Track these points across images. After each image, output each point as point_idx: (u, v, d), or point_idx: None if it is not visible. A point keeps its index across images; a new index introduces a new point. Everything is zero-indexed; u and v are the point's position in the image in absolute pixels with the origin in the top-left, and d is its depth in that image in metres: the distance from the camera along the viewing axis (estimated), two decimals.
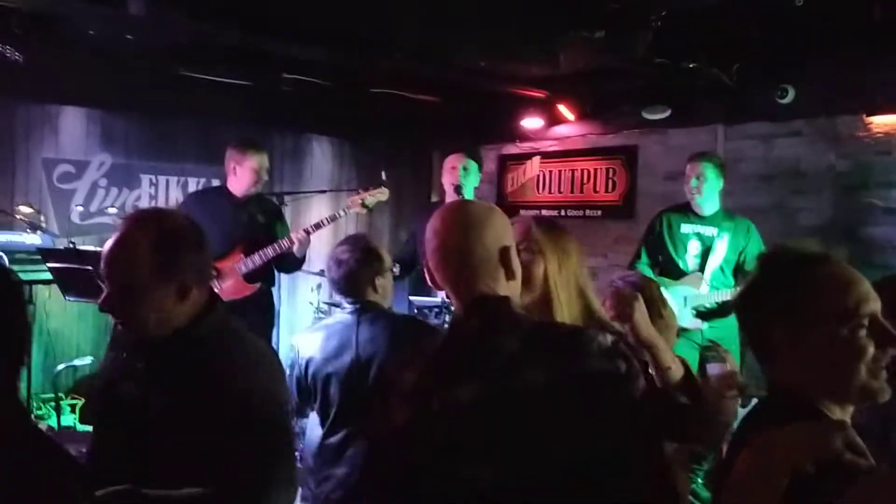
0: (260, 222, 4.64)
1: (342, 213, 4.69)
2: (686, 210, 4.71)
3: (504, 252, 1.65)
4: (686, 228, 4.68)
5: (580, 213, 6.70)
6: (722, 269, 4.57)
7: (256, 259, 4.47)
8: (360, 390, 2.81)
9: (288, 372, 3.05)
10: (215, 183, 5.83)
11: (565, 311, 2.05)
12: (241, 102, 6.33)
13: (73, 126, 5.98)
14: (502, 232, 1.67)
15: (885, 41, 4.75)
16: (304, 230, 4.50)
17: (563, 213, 6.86)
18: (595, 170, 6.75)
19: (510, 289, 1.68)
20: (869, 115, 5.02)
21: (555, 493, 1.51)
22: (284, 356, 7.19)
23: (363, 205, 4.63)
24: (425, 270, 1.72)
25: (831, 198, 5.22)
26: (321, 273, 6.14)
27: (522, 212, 7.06)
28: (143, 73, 5.75)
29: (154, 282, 1.85)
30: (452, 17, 4.70)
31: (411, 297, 4.21)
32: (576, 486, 1.50)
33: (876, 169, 5.02)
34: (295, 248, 4.49)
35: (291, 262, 4.71)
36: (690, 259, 4.66)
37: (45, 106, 5.82)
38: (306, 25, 4.84)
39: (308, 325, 6.27)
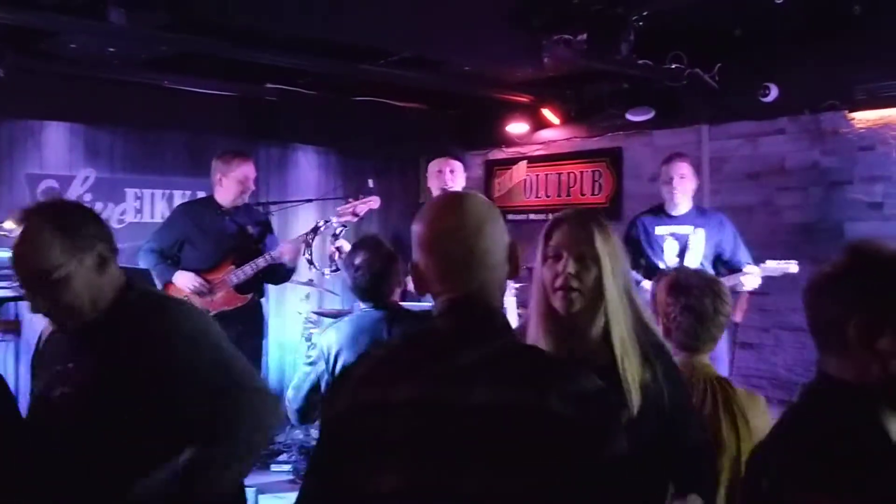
0: (249, 233, 4.63)
1: (332, 223, 4.67)
2: (659, 212, 4.83)
3: (513, 248, 1.54)
4: (661, 230, 4.77)
5: None
6: (702, 264, 4.62)
7: (248, 270, 4.45)
8: None
9: (308, 370, 3.07)
10: (201, 195, 5.80)
11: (621, 319, 1.95)
12: (226, 113, 6.31)
13: (56, 141, 5.94)
14: (503, 228, 1.56)
15: (866, 37, 4.80)
16: (292, 242, 4.49)
17: (550, 216, 6.84)
18: (581, 173, 6.76)
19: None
20: (852, 110, 5.04)
21: None
22: (274, 366, 7.10)
23: (353, 213, 4.62)
24: (412, 271, 1.56)
25: (817, 194, 5.25)
26: (309, 283, 6.12)
27: (511, 217, 7.07)
28: (127, 86, 5.73)
29: (70, 259, 1.87)
30: (436, 22, 4.71)
31: (401, 303, 4.20)
32: None
33: (860, 164, 5.05)
34: (287, 259, 4.48)
35: (282, 274, 4.70)
36: (670, 259, 4.71)
37: (27, 121, 5.78)
38: (290, 35, 4.83)
39: (296, 335, 6.25)
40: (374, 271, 2.98)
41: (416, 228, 1.54)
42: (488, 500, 1.33)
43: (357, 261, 3.01)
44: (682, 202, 4.71)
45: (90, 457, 1.84)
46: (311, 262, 4.58)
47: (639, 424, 1.85)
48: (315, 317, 5.89)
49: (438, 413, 1.38)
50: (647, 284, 4.61)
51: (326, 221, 4.61)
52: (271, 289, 6.32)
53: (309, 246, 4.50)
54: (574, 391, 1.37)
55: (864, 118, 5.02)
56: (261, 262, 4.45)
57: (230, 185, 4.52)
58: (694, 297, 2.36)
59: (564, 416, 1.34)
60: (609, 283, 1.95)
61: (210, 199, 4.68)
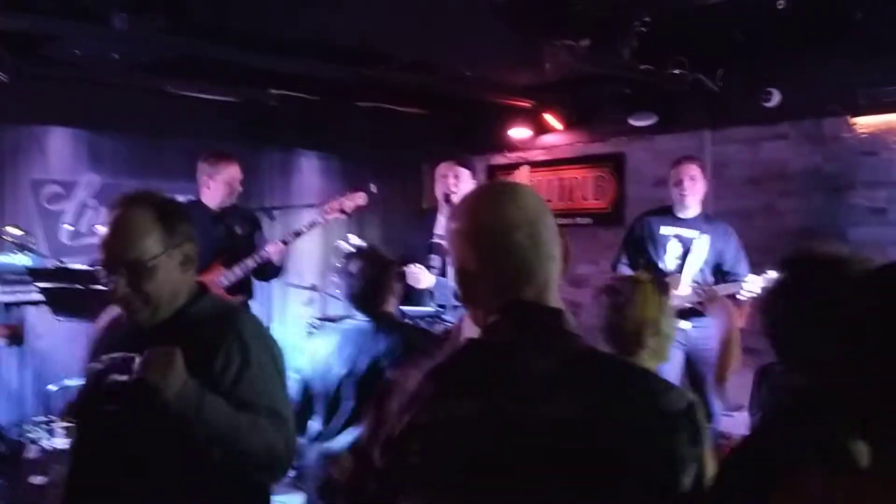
0: (238, 234, 4.61)
1: (321, 220, 4.66)
2: (666, 212, 4.76)
3: (565, 243, 1.39)
4: (666, 230, 4.72)
5: (570, 220, 6.71)
6: (702, 270, 4.62)
7: (238, 271, 4.44)
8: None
9: (295, 376, 3.07)
10: None
11: None
12: (229, 119, 6.33)
13: (60, 146, 5.95)
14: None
15: (868, 42, 4.79)
16: (282, 241, 4.50)
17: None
18: (584, 178, 6.77)
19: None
20: (854, 116, 5.05)
21: None
22: None
23: (342, 211, 4.63)
24: (459, 278, 1.38)
25: (818, 199, 5.24)
26: (313, 287, 6.12)
27: None
28: (130, 91, 5.75)
29: (163, 252, 1.90)
30: (438, 26, 4.72)
31: (402, 307, 4.20)
32: None
33: (862, 169, 5.04)
34: (274, 259, 4.49)
35: (271, 272, 4.69)
36: (671, 260, 4.68)
37: (31, 127, 5.79)
38: (292, 39, 4.84)
39: (300, 339, 6.23)
40: (367, 279, 2.99)
41: (463, 226, 1.36)
42: None
43: (352, 269, 3.02)
44: (692, 205, 4.66)
45: (136, 446, 1.86)
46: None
47: None
48: (318, 322, 5.88)
49: (512, 428, 1.23)
50: None
51: (312, 224, 4.61)
52: (274, 292, 6.32)
53: (287, 245, 4.52)
54: (665, 405, 1.24)
55: (866, 123, 5.02)
56: (250, 262, 4.44)
57: (218, 187, 4.52)
58: (603, 304, 2.34)
59: (654, 430, 1.21)
60: None
61: (197, 202, 4.65)
